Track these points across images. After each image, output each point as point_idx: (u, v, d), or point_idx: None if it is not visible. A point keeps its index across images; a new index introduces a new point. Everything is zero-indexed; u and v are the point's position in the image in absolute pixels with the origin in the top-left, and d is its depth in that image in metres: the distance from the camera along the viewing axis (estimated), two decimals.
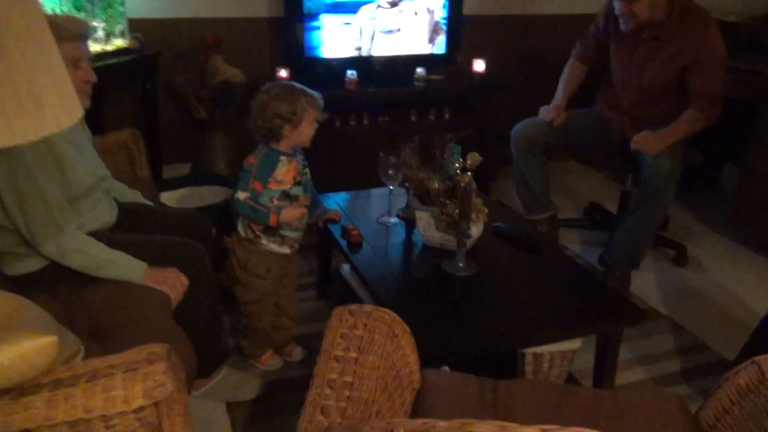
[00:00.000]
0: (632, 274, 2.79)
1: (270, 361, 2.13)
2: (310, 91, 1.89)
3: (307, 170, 2.00)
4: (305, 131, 1.89)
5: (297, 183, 1.94)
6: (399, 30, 3.33)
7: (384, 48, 3.34)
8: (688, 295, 2.74)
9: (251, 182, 1.86)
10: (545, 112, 2.89)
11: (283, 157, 1.89)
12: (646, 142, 2.58)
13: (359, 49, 3.31)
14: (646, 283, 2.79)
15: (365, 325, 1.31)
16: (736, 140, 3.48)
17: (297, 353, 2.20)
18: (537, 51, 3.95)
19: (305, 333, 2.31)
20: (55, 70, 0.98)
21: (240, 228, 1.97)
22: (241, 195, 1.86)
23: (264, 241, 1.95)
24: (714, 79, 2.58)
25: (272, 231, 1.94)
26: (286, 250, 1.99)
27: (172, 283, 1.72)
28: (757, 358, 1.25)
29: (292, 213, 1.90)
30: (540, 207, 3.00)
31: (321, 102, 1.90)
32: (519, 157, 2.92)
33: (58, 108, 0.97)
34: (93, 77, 1.68)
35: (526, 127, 2.90)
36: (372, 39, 3.31)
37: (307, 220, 2.02)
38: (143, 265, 1.72)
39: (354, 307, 1.35)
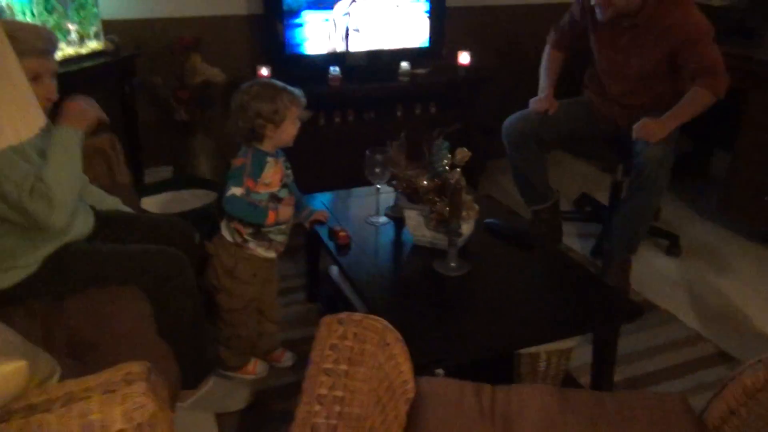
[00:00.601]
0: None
1: (256, 370, 2.07)
2: (291, 88, 1.82)
3: (290, 171, 1.94)
4: (288, 130, 1.83)
5: (284, 185, 1.88)
6: (376, 25, 3.26)
7: (366, 43, 3.27)
8: (682, 285, 2.71)
9: (245, 179, 1.79)
10: (536, 104, 2.82)
11: (269, 159, 1.83)
12: (647, 129, 2.48)
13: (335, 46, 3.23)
14: (640, 274, 2.75)
15: (355, 334, 1.25)
16: (725, 127, 3.45)
17: (287, 358, 2.14)
18: (521, 41, 3.89)
19: (295, 338, 2.25)
20: (13, 79, 0.92)
21: (225, 232, 1.90)
22: (237, 191, 1.78)
23: (252, 245, 1.88)
24: (710, 52, 2.46)
25: (261, 235, 1.88)
26: (272, 254, 1.93)
27: (89, 112, 1.67)
28: (763, 358, 1.20)
29: (287, 211, 1.86)
30: (540, 197, 2.97)
31: (303, 99, 1.84)
32: (513, 150, 2.86)
33: (17, 119, 0.91)
34: (54, 95, 1.61)
35: (517, 120, 2.83)
36: (346, 37, 3.23)
37: (292, 222, 1.96)
38: (68, 130, 1.61)
39: (343, 315, 1.29)
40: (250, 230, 1.87)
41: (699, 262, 2.90)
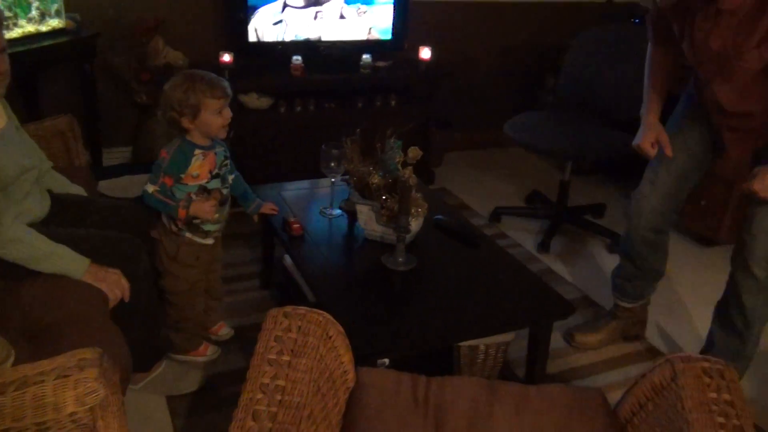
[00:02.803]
0: (566, 262, 2.88)
1: (207, 351, 2.14)
2: (210, 78, 1.80)
3: (228, 162, 1.96)
4: (209, 121, 1.81)
5: (215, 176, 1.91)
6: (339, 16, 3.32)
7: (330, 33, 3.32)
8: None
9: (161, 176, 1.84)
10: (639, 149, 2.07)
11: (198, 151, 1.85)
12: None
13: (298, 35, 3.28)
14: (581, 270, 2.89)
15: (299, 327, 1.33)
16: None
17: (224, 331, 2.24)
18: (481, 37, 3.97)
19: (247, 324, 2.32)
20: None
21: (165, 221, 1.96)
22: (150, 188, 1.84)
23: (188, 234, 1.94)
24: None
25: (194, 226, 1.93)
26: (210, 241, 2.00)
27: (113, 284, 1.70)
28: (670, 357, 1.32)
29: (201, 207, 1.86)
30: (640, 292, 2.40)
31: (223, 91, 1.81)
32: (642, 248, 2.24)
33: None
34: (4, 68, 1.63)
35: (651, 212, 2.17)
36: (310, 26, 3.28)
37: (226, 212, 2.00)
38: (86, 260, 1.68)
39: (289, 309, 1.36)
40: (182, 221, 1.92)
41: None
